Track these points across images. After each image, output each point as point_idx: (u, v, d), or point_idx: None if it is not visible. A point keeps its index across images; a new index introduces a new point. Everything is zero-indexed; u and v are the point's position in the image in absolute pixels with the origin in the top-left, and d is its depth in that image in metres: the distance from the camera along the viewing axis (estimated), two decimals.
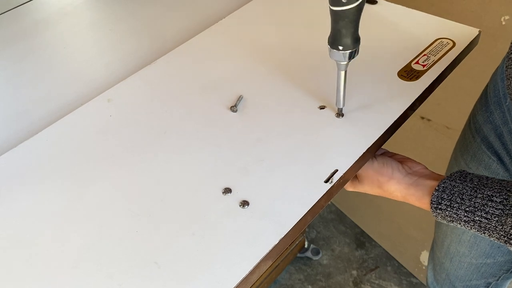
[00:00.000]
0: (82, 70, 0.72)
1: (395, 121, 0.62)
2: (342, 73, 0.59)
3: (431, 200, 0.55)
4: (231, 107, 0.66)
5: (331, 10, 0.52)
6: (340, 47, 0.55)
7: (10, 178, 0.62)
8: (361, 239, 1.60)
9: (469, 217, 0.52)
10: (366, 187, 0.64)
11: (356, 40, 0.55)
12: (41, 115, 0.69)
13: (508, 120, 0.66)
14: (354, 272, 1.53)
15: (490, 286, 0.85)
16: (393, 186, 0.61)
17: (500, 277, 0.83)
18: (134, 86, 0.73)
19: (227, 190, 0.56)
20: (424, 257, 1.41)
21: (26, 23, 0.64)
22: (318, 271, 1.54)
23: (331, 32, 0.55)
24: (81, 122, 0.69)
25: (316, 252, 1.55)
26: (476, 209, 0.51)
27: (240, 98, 0.67)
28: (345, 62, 0.57)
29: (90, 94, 0.72)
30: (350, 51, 0.55)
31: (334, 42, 0.55)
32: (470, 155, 0.75)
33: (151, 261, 0.50)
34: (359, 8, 0.51)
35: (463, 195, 0.53)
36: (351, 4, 0.50)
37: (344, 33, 0.54)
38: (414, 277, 1.49)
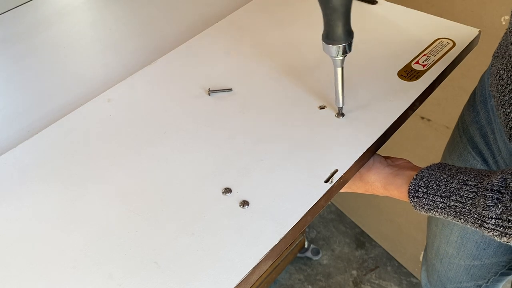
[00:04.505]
0: (82, 70, 0.72)
1: (395, 121, 0.62)
2: (339, 70, 0.59)
3: (409, 188, 0.55)
4: (208, 90, 0.67)
5: (322, 4, 0.52)
6: (333, 41, 0.55)
7: (10, 178, 0.62)
8: (361, 239, 1.60)
9: (444, 203, 0.51)
10: (349, 181, 0.64)
11: (349, 33, 0.55)
12: (41, 115, 0.69)
13: (492, 120, 0.66)
14: (354, 272, 1.53)
15: None
16: (373, 176, 0.61)
17: (489, 279, 0.82)
18: (134, 86, 0.73)
19: (227, 190, 0.56)
20: None
21: (26, 23, 0.64)
22: (318, 271, 1.54)
23: (324, 27, 0.55)
24: (81, 122, 0.69)
25: (316, 252, 1.55)
26: (452, 194, 0.51)
27: (225, 90, 0.68)
28: (340, 58, 0.57)
29: (90, 94, 0.72)
30: (343, 44, 0.55)
31: (327, 36, 0.56)
32: (457, 155, 0.75)
33: (151, 261, 0.50)
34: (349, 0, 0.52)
35: (439, 181, 0.52)
36: None
37: (336, 26, 0.54)
38: (414, 277, 1.49)
